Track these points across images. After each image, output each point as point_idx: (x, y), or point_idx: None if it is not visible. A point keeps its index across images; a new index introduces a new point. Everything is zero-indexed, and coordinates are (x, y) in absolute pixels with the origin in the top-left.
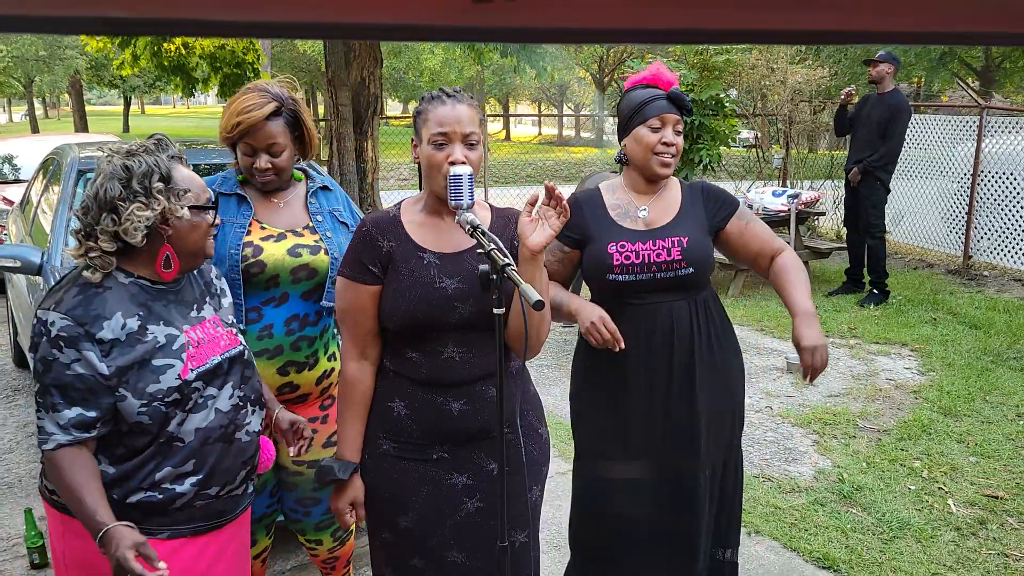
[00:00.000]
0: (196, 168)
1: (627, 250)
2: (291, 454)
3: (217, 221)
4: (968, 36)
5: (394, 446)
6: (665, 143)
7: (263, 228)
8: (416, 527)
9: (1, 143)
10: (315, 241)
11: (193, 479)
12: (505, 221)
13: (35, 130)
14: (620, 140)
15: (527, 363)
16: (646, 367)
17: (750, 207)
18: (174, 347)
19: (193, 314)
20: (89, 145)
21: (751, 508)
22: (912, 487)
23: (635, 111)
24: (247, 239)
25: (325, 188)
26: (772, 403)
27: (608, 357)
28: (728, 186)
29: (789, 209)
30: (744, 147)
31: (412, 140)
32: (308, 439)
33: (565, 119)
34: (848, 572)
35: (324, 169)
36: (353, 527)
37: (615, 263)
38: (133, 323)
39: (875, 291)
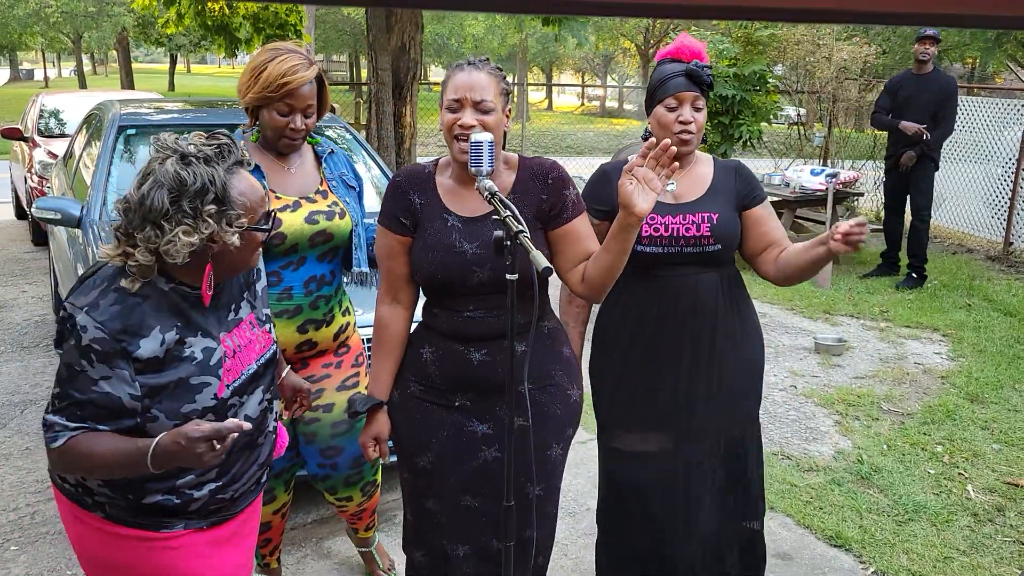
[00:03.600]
0: (233, 128)
1: (656, 223)
2: (284, 417)
3: (272, 232)
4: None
5: (421, 388)
6: (682, 122)
7: (278, 198)
8: (434, 468)
9: (48, 98)
10: (328, 206)
11: (212, 485)
12: (530, 174)
13: (83, 86)
14: (648, 115)
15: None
16: (670, 339)
17: (787, 185)
18: (211, 363)
19: (231, 316)
20: (131, 102)
21: (767, 485)
22: (932, 471)
23: (655, 89)
24: None
25: (330, 152)
26: (797, 382)
27: (632, 329)
28: (768, 163)
29: (827, 188)
30: (787, 124)
31: (440, 106)
32: (306, 408)
33: (609, 90)
34: (860, 552)
35: (361, 134)
36: (379, 479)
37: (643, 234)
38: (171, 336)
39: (913, 274)
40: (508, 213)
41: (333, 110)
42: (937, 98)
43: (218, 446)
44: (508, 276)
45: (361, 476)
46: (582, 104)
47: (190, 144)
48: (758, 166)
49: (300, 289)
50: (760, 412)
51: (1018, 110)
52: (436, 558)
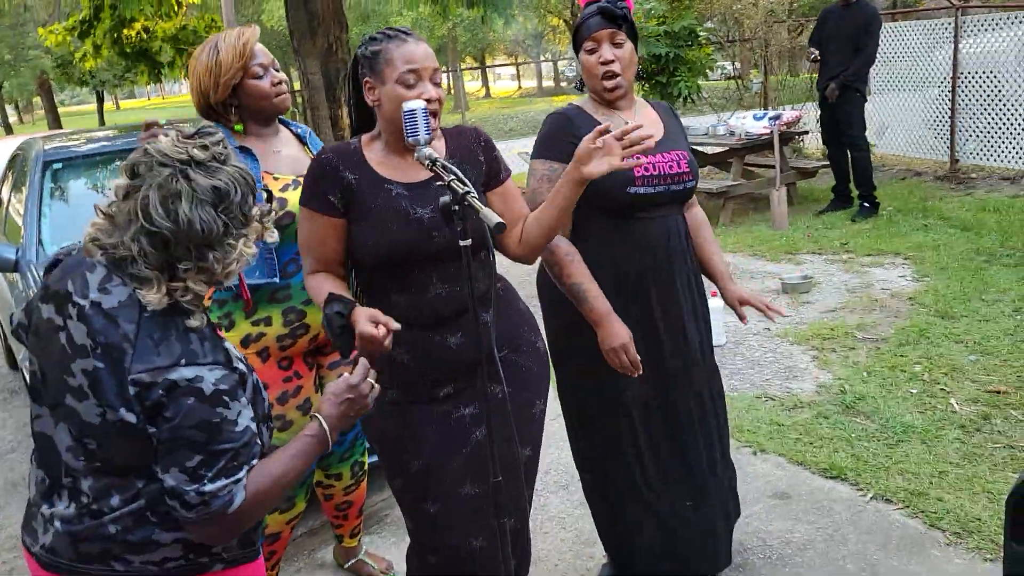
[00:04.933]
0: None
1: (645, 162)
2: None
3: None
4: None
5: (398, 393)
6: (603, 62)
7: (276, 179)
8: (428, 469)
9: None
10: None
11: None
12: (460, 140)
13: (9, 132)
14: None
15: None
16: (654, 283)
17: (732, 134)
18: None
19: None
20: (56, 135)
21: (755, 428)
22: (914, 391)
23: (574, 38)
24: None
25: (310, 134)
26: (770, 324)
27: (615, 276)
28: (711, 118)
29: (772, 131)
30: (724, 78)
31: (366, 82)
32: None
33: (546, 69)
34: (856, 479)
35: None
36: (366, 462)
37: (637, 174)
38: (230, 347)
39: (865, 204)
40: (452, 177)
41: None
42: (858, 28)
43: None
44: (461, 243)
45: (352, 453)
46: (519, 88)
47: (192, 147)
48: (701, 121)
49: None
50: (737, 357)
51: (945, 29)
52: (450, 557)
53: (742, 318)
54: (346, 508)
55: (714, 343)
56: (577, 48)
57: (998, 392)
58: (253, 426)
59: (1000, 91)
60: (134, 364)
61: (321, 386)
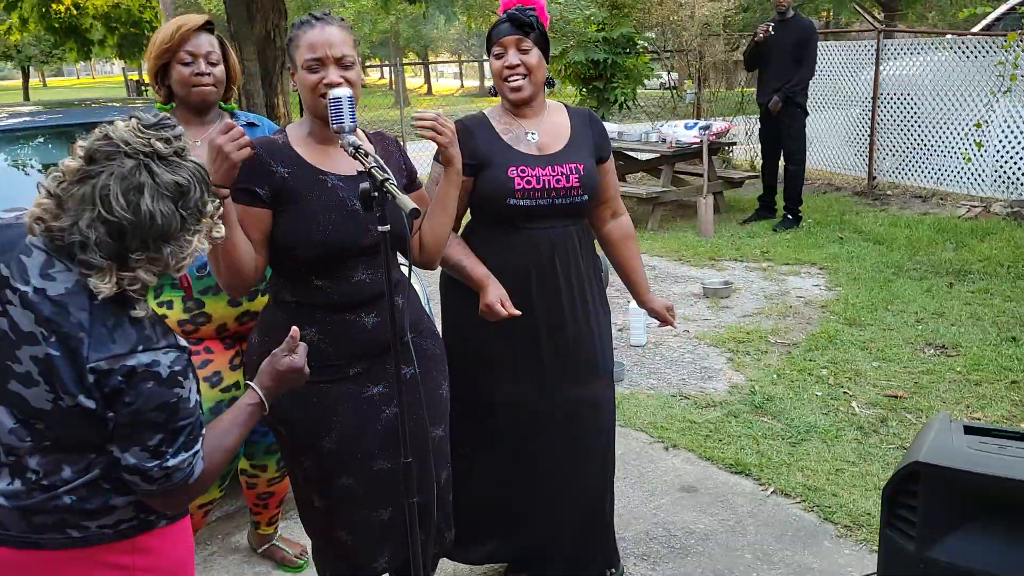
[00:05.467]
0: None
1: (528, 175)
2: None
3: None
4: None
5: (313, 373)
6: (508, 67)
7: None
8: (340, 446)
9: None
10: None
11: None
12: (385, 143)
13: None
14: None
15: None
16: (533, 289)
17: (663, 141)
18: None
19: None
20: None
21: (669, 424)
22: (819, 393)
23: (487, 43)
24: None
25: (251, 124)
26: (689, 327)
27: (491, 262)
28: (645, 126)
29: (701, 140)
30: (661, 87)
31: (289, 69)
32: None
33: (487, 69)
34: (759, 475)
35: None
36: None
37: (516, 187)
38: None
39: (789, 216)
40: (373, 164)
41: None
42: (797, 41)
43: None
44: (380, 228)
45: (279, 447)
46: (462, 86)
47: (154, 140)
48: (636, 128)
49: None
50: (657, 357)
51: (869, 51)
52: (361, 531)
53: (668, 323)
54: (267, 498)
55: (635, 343)
56: (489, 53)
57: (895, 396)
58: (199, 398)
59: (916, 113)
60: (91, 352)
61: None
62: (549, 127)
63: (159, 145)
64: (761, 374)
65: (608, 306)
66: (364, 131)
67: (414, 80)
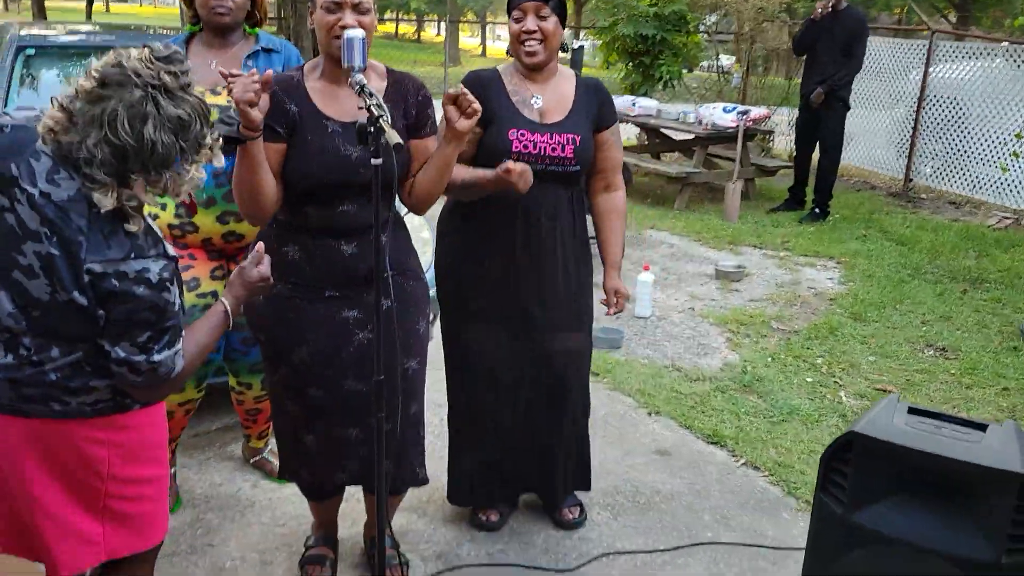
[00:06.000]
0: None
1: (526, 139)
2: None
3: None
4: None
5: (288, 287)
6: (526, 31)
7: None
8: (312, 359)
9: None
10: (228, 100)
11: None
12: (401, 85)
13: None
14: None
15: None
16: (521, 245)
17: (699, 123)
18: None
19: None
20: (34, 24)
21: (656, 393)
22: (809, 380)
23: (507, 7)
24: None
25: (268, 51)
26: (695, 305)
27: (484, 233)
28: (685, 106)
29: (738, 125)
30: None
31: (309, 7)
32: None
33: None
34: (734, 447)
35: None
36: None
37: (513, 150)
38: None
39: (816, 210)
40: (374, 101)
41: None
42: (848, 34)
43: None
44: (372, 160)
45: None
46: None
47: (164, 73)
48: (674, 108)
49: (210, 180)
50: (658, 330)
51: (919, 52)
52: (327, 442)
53: (607, 304)
54: (256, 414)
55: (639, 314)
56: (508, 16)
57: (884, 390)
58: (182, 302)
59: (961, 118)
60: (88, 255)
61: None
62: (554, 95)
63: (167, 78)
64: (756, 355)
65: (591, 268)
66: (388, 68)
67: (471, 40)
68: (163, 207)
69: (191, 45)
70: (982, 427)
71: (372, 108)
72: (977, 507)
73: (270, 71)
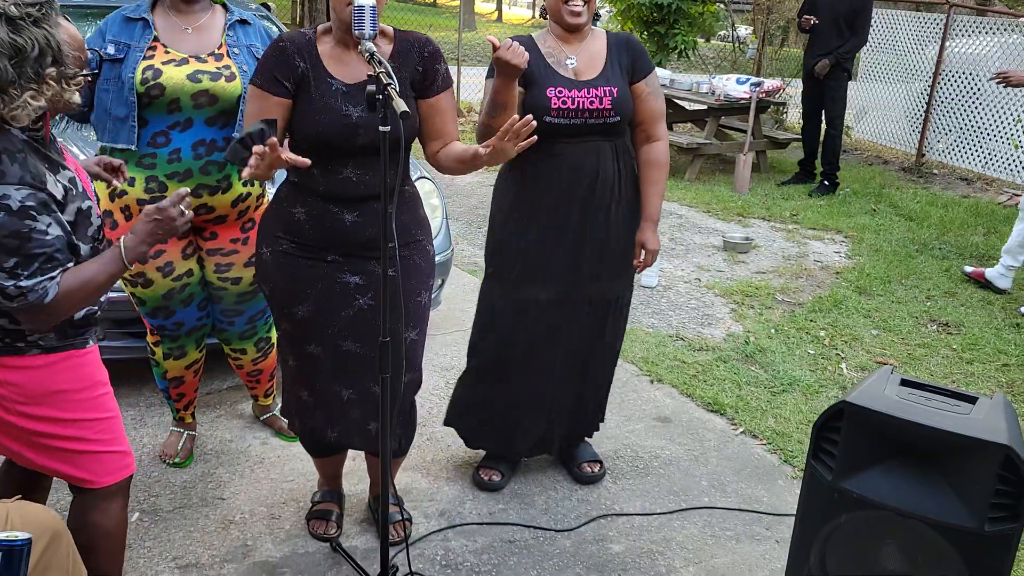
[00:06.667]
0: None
1: (564, 95)
2: (112, 187)
3: (88, 78)
4: None
5: (293, 246)
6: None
7: (167, 52)
8: (312, 316)
9: None
10: (217, 68)
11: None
12: (408, 44)
13: None
14: None
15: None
16: (569, 198)
17: (712, 94)
18: (81, 188)
19: (55, 147)
20: None
21: (659, 361)
22: (811, 352)
23: None
24: (150, 62)
25: (243, 22)
26: (702, 276)
27: (534, 188)
28: (699, 77)
29: (751, 96)
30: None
31: None
32: (119, 169)
33: None
34: (733, 416)
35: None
36: (273, 337)
37: (552, 106)
38: (65, 176)
39: (825, 182)
40: (383, 70)
41: (268, 8)
42: (852, 6)
43: (184, 211)
44: (381, 128)
45: (255, 331)
46: (533, 17)
47: (11, 4)
48: (687, 79)
49: (188, 152)
50: (663, 300)
51: (936, 25)
52: (321, 397)
53: (635, 257)
54: (257, 375)
55: (646, 284)
56: None
57: (885, 364)
58: (66, 237)
59: (975, 94)
60: None
61: (202, 265)
62: (587, 55)
63: (11, 8)
64: (759, 327)
65: (637, 218)
66: (396, 29)
67: (486, 5)
68: (132, 182)
69: (156, 9)
70: (972, 399)
71: (381, 76)
72: (961, 476)
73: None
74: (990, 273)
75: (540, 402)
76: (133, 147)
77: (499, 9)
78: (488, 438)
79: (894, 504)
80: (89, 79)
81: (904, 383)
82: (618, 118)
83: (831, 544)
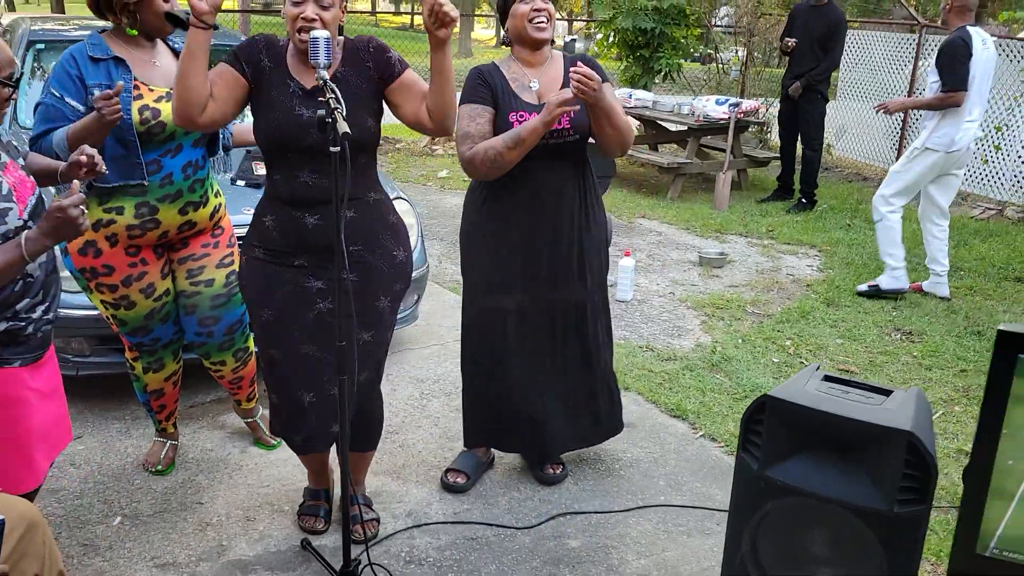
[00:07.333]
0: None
1: (524, 119)
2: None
3: (15, 96)
4: None
5: (264, 252)
6: (536, 9)
7: (151, 90)
8: (276, 320)
9: None
10: None
11: (41, 307)
12: (353, 49)
13: (12, 9)
14: (503, 26)
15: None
16: (532, 216)
17: (692, 114)
18: (4, 192)
19: None
20: (48, 19)
21: (627, 370)
22: (776, 360)
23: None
24: (144, 102)
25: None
26: (676, 289)
27: (499, 208)
28: (681, 98)
29: (729, 117)
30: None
31: None
32: (91, 158)
33: (562, 28)
34: (695, 421)
35: None
36: (251, 346)
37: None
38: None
39: (803, 200)
40: (332, 96)
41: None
42: (826, 30)
43: (84, 211)
44: (331, 149)
45: (233, 343)
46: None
47: None
48: (669, 100)
49: (179, 174)
50: (637, 313)
51: (909, 45)
52: (287, 402)
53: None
54: (238, 382)
55: (620, 298)
56: (507, 6)
57: (847, 371)
58: None
59: None
60: None
61: (173, 277)
62: (547, 79)
63: None
64: (727, 337)
65: (601, 231)
66: (346, 37)
67: (485, 32)
68: (120, 211)
69: (111, 43)
70: (887, 392)
71: (330, 102)
72: (872, 462)
73: None
74: (927, 285)
75: (526, 407)
76: (145, 182)
77: (497, 35)
78: (491, 438)
79: (815, 491)
80: (11, 88)
81: (827, 379)
82: (576, 136)
83: (761, 531)
